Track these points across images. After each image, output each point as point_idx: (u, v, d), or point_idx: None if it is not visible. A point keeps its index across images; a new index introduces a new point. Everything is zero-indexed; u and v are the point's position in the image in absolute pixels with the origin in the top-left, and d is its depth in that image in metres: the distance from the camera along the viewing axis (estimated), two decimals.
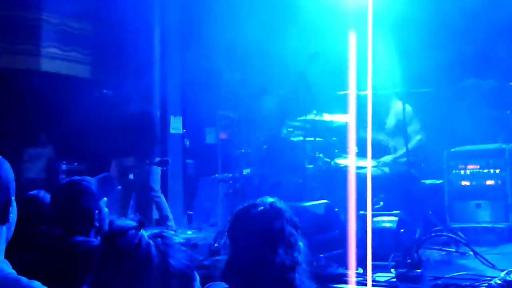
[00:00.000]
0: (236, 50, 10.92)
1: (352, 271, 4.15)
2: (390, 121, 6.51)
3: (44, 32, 11.30)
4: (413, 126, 6.37)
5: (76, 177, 3.19)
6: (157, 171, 8.06)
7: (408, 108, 6.47)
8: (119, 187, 8.09)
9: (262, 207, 2.28)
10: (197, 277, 1.75)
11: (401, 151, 6.31)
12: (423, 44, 8.21)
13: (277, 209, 2.28)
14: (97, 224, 3.06)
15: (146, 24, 11.32)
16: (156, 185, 8.03)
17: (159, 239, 1.66)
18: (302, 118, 6.07)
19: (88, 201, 3.04)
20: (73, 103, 11.10)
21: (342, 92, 6.04)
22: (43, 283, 1.86)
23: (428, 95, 6.43)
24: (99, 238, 2.09)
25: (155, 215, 10.51)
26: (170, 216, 8.09)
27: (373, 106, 6.42)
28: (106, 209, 3.19)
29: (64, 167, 10.79)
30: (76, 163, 10.83)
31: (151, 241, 1.63)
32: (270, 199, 2.32)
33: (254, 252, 2.18)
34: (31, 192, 3.33)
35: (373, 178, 5.87)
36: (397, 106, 6.49)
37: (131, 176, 7.93)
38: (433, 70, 7.45)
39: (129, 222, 1.68)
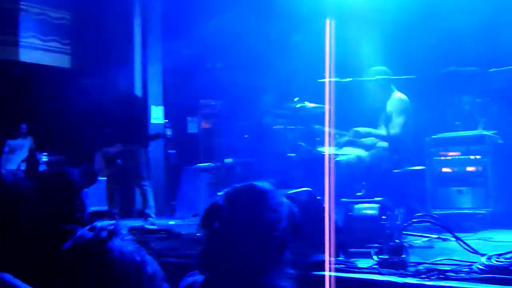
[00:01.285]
0: (218, 39, 10.86)
1: (332, 258, 4.15)
2: (387, 109, 6.52)
3: (23, 21, 11.19)
4: (403, 116, 6.38)
5: (57, 167, 3.16)
6: (145, 158, 8.03)
7: (405, 99, 6.50)
8: (106, 177, 8.05)
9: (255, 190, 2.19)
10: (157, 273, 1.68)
11: (384, 137, 6.34)
12: (405, 31, 8.23)
13: (271, 194, 2.18)
14: (78, 214, 3.05)
15: (126, 13, 11.24)
16: (145, 172, 8.01)
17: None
18: (284, 106, 6.06)
19: (69, 191, 3.02)
20: (53, 93, 11.02)
21: (323, 80, 6.02)
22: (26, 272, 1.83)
23: (410, 82, 6.44)
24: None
25: (139, 205, 10.49)
26: (152, 205, 8.05)
27: (371, 92, 6.45)
28: (86, 200, 3.16)
29: (45, 158, 10.71)
30: (57, 154, 10.76)
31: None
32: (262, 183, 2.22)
33: (239, 243, 2.08)
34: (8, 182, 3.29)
35: (354, 165, 5.90)
36: (394, 95, 6.51)
37: (119, 161, 7.88)
38: (415, 57, 7.47)
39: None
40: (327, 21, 5.54)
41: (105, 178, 8.28)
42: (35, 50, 11.36)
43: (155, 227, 7.51)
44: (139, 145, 7.98)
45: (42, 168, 10.40)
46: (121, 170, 8.04)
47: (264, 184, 2.22)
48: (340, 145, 6.42)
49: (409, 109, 6.54)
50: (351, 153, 6.18)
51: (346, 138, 6.51)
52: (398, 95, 6.54)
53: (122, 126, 7.92)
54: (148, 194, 8.08)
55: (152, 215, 8.00)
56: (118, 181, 8.03)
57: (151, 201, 8.07)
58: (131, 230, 1.73)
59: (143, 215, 7.99)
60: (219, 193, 2.22)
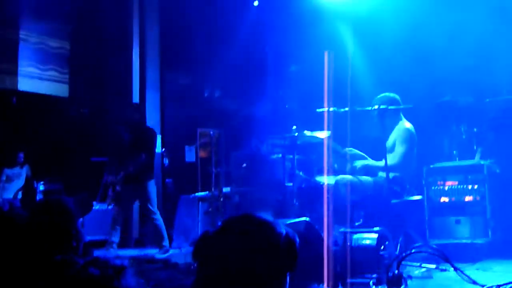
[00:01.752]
0: (216, 68, 10.95)
1: None
2: (391, 138, 6.51)
3: (22, 51, 11.25)
4: (406, 146, 6.36)
5: (54, 196, 3.17)
6: (152, 190, 8.04)
7: (410, 128, 6.48)
8: (111, 206, 8.04)
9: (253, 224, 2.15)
10: None
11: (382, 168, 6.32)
12: (401, 60, 8.30)
13: (272, 228, 2.15)
14: (74, 243, 3.03)
15: (125, 43, 11.31)
16: (154, 206, 8.00)
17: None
18: (282, 135, 6.07)
19: (66, 220, 3.01)
20: (51, 122, 11.03)
21: (321, 109, 6.05)
22: None
23: (408, 112, 6.47)
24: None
25: (135, 234, 10.45)
26: (166, 236, 8.06)
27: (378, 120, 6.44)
28: (82, 229, 3.15)
29: (42, 187, 10.69)
30: (54, 183, 10.74)
31: None
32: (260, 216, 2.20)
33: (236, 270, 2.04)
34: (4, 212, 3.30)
35: (353, 189, 5.88)
36: (401, 124, 6.49)
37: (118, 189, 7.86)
38: (411, 87, 7.52)
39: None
40: (325, 53, 5.59)
41: (106, 207, 8.28)
42: (34, 79, 11.41)
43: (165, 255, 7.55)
44: (146, 177, 7.99)
45: (39, 197, 10.38)
46: (125, 200, 8.03)
47: (262, 214, 2.19)
48: (337, 174, 6.42)
49: (414, 139, 6.50)
50: (352, 180, 6.15)
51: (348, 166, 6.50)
52: (405, 124, 6.51)
53: (129, 156, 7.93)
54: (160, 224, 8.08)
55: (167, 246, 8.04)
56: (121, 210, 7.99)
57: (164, 232, 8.07)
58: (130, 259, 1.73)
59: (159, 246, 7.99)
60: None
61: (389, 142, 6.46)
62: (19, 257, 2.91)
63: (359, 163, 6.36)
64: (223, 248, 2.04)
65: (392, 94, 6.50)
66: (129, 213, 8.23)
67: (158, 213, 8.12)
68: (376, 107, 6.19)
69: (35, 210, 3.08)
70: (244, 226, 2.09)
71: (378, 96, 6.50)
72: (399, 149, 6.31)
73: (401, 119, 6.53)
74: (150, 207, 8.00)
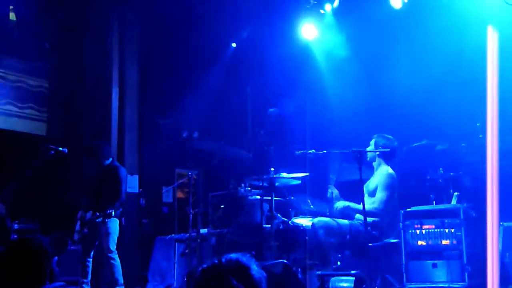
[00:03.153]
0: (195, 109, 10.98)
1: None
2: (373, 182, 6.56)
3: (0, 88, 11.21)
4: (388, 192, 6.40)
5: (29, 235, 3.14)
6: (115, 230, 7.84)
7: (393, 173, 6.54)
8: (78, 246, 7.89)
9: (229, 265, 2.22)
10: None
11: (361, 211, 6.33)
12: (379, 103, 8.41)
13: (244, 267, 2.22)
14: (48, 283, 2.99)
15: (104, 82, 11.33)
16: (113, 245, 7.78)
17: None
18: (260, 176, 6.07)
19: (41, 259, 2.98)
20: (27, 161, 10.92)
21: (300, 152, 6.09)
22: None
23: (385, 156, 6.53)
24: None
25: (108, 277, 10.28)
26: (121, 281, 7.80)
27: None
28: (57, 268, 3.11)
29: (16, 226, 10.52)
30: (29, 222, 10.58)
31: None
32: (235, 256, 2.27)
33: None
34: None
35: (331, 231, 5.88)
36: (384, 169, 6.55)
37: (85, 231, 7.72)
38: (388, 130, 7.59)
39: None
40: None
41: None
42: (11, 117, 11.34)
43: None
44: (108, 216, 7.79)
45: (13, 236, 10.21)
46: (89, 239, 7.86)
47: (241, 257, 2.24)
48: (314, 216, 6.43)
49: (396, 185, 6.58)
50: (329, 223, 6.15)
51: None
52: (387, 169, 6.58)
53: (97, 196, 7.85)
54: (115, 266, 7.78)
55: None
56: (87, 250, 7.84)
57: (120, 276, 7.78)
58: None
59: None
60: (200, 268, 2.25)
61: (370, 185, 6.49)
62: None
63: (340, 204, 6.38)
64: None
65: (387, 136, 6.63)
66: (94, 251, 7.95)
67: (116, 253, 7.83)
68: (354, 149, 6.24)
69: (9, 247, 3.03)
70: (226, 270, 2.14)
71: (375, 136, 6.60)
72: (381, 195, 6.35)
73: (383, 163, 6.60)
74: (109, 246, 7.75)
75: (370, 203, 6.17)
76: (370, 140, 6.72)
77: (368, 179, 6.72)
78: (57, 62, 11.97)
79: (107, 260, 7.78)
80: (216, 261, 2.27)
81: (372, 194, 6.38)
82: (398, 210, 6.75)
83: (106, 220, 7.59)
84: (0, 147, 11.14)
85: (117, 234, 7.89)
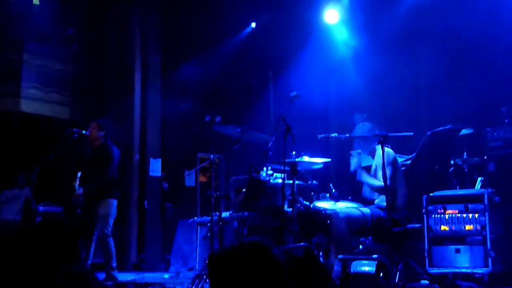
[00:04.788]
0: (217, 93, 10.98)
1: None
2: (375, 165, 6.52)
3: (25, 73, 11.31)
4: (389, 166, 6.33)
5: (55, 218, 3.17)
6: (110, 212, 7.68)
7: (390, 152, 6.49)
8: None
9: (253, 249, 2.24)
10: None
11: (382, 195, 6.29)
12: (405, 90, 8.35)
13: (265, 250, 2.24)
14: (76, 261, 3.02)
15: (127, 67, 11.37)
16: (107, 228, 7.61)
17: None
18: (282, 160, 6.05)
19: (70, 239, 3.01)
20: (51, 144, 11.04)
21: (321, 136, 6.06)
22: None
23: (408, 140, 6.46)
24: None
25: (133, 258, 10.38)
26: (114, 264, 7.68)
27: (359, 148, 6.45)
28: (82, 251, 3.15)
29: (41, 208, 10.66)
30: (54, 205, 10.72)
31: None
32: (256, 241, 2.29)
33: None
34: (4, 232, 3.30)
35: (353, 220, 5.85)
36: (379, 149, 6.46)
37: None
38: (414, 115, 7.55)
39: None
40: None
41: None
42: (36, 101, 11.45)
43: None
44: (107, 195, 7.76)
45: (38, 219, 10.34)
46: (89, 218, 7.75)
47: (263, 241, 2.28)
48: (336, 200, 6.40)
49: (397, 163, 6.54)
50: (351, 212, 6.10)
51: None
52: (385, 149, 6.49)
53: (86, 175, 7.80)
54: (111, 250, 7.65)
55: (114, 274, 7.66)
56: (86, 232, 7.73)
57: (113, 258, 7.66)
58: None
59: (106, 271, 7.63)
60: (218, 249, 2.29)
61: (371, 170, 6.47)
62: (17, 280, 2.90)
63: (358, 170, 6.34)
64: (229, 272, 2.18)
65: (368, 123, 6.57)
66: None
67: (111, 236, 7.69)
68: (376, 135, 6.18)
69: (36, 228, 3.06)
70: (249, 253, 2.16)
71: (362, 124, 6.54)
72: (385, 172, 6.24)
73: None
74: (104, 229, 7.59)
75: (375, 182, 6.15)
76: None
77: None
78: (80, 47, 12.04)
79: (101, 242, 7.64)
80: (238, 244, 2.29)
81: (374, 176, 6.36)
82: (416, 193, 6.70)
83: (100, 201, 7.59)
84: (25, 131, 11.27)
85: (114, 216, 7.74)
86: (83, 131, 7.97)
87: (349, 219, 5.86)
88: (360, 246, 6.06)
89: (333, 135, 6.13)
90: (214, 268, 2.28)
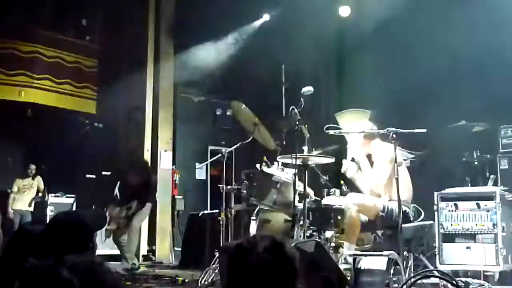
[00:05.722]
0: (229, 86, 10.97)
1: None
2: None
3: (38, 64, 11.36)
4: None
5: (71, 210, 3.18)
6: (146, 211, 8.11)
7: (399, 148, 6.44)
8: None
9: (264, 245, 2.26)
10: None
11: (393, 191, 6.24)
12: (417, 84, 8.31)
13: (279, 245, 2.27)
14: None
15: (140, 59, 11.39)
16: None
17: None
18: (293, 155, 6.03)
19: (84, 234, 3.01)
20: (64, 135, 11.09)
21: (333, 131, 6.04)
22: None
23: (421, 136, 6.42)
24: None
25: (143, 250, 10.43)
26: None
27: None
28: (96, 243, 3.15)
29: (53, 199, 10.73)
30: (65, 195, 10.78)
31: None
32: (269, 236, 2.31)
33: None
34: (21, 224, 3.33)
35: (366, 208, 5.83)
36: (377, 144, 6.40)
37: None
38: (426, 111, 7.50)
39: None
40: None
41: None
42: (49, 92, 11.49)
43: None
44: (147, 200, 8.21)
45: (50, 209, 10.41)
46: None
47: (276, 236, 2.31)
48: (345, 193, 6.37)
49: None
50: (363, 200, 6.04)
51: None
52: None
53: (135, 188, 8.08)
54: (135, 241, 8.21)
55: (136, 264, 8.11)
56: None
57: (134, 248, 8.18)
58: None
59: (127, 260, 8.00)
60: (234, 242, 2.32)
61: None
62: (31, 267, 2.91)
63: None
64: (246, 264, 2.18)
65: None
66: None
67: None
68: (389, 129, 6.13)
69: (53, 223, 3.07)
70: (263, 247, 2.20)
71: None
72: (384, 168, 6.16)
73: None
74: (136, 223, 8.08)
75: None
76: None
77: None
78: (94, 38, 12.07)
79: (129, 233, 8.05)
80: (252, 238, 2.32)
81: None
82: (428, 190, 6.66)
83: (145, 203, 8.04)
84: (38, 122, 11.32)
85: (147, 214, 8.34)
86: (95, 124, 8.09)
87: (362, 207, 5.82)
88: (371, 243, 6.05)
89: (340, 129, 6.10)
90: (228, 260, 2.29)
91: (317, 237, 5.71)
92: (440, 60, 8.31)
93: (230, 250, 2.32)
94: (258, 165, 6.70)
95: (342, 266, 5.17)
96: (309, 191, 6.35)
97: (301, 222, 5.79)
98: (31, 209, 10.85)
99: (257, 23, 11.28)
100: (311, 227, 5.95)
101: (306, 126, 6.09)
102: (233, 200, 7.28)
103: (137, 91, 11.27)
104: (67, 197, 10.70)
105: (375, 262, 5.13)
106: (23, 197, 10.84)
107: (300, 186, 6.12)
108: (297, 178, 6.08)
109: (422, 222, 6.30)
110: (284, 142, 6.83)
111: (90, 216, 3.16)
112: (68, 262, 1.71)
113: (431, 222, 6.57)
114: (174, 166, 11.25)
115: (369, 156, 6.24)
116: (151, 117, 11.24)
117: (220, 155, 7.35)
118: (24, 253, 3.02)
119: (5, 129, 11.03)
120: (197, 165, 11.33)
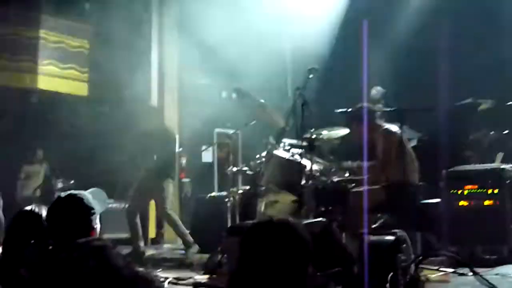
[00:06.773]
0: (235, 68, 10.92)
1: None
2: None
3: (42, 49, 11.32)
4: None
5: (74, 192, 3.17)
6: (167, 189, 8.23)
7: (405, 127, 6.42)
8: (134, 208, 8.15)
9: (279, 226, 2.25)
10: None
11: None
12: (423, 62, 8.25)
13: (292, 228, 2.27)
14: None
15: (144, 42, 11.35)
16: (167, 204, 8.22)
17: None
18: (300, 135, 6.02)
19: (88, 215, 3.02)
20: (69, 120, 11.09)
21: (340, 110, 6.01)
22: None
23: (428, 114, 6.41)
24: None
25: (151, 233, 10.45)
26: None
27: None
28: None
29: (60, 184, 10.75)
30: (72, 181, 10.79)
31: None
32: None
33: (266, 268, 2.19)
34: (26, 208, 3.33)
35: (371, 196, 5.83)
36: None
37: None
38: (433, 89, 7.46)
39: None
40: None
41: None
42: (53, 77, 11.47)
43: None
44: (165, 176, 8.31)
45: (57, 194, 10.42)
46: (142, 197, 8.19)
47: (290, 218, 2.37)
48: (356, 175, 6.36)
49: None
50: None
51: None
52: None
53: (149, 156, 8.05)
54: (179, 225, 8.33)
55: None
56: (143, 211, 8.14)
57: (183, 229, 8.35)
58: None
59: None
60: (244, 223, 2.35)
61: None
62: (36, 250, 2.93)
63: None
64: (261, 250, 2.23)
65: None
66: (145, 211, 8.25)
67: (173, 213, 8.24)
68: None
69: (56, 204, 3.07)
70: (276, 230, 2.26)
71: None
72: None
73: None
74: (165, 206, 7.97)
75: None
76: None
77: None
78: (97, 22, 12.01)
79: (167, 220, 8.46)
80: (267, 219, 2.32)
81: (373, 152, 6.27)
82: (435, 168, 6.64)
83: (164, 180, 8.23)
84: (42, 108, 11.32)
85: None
86: (100, 109, 8.12)
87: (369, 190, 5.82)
88: (378, 222, 6.04)
89: (351, 109, 6.07)
90: (241, 243, 2.31)
91: (324, 218, 5.70)
92: (447, 36, 8.25)
93: (242, 232, 2.33)
94: (265, 145, 6.69)
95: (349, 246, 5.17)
96: (316, 168, 6.33)
97: (309, 203, 5.79)
98: (39, 195, 10.88)
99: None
100: (319, 207, 5.95)
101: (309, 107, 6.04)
102: (240, 182, 7.28)
103: (142, 74, 11.24)
104: (73, 182, 10.71)
105: (383, 241, 5.11)
106: (31, 183, 10.87)
107: (307, 166, 6.11)
108: (303, 158, 6.07)
109: (429, 200, 6.29)
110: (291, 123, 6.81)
111: (93, 197, 3.16)
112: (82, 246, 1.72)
113: (439, 200, 6.55)
114: (180, 149, 11.24)
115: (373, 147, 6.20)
116: (156, 100, 11.22)
117: (225, 137, 7.36)
118: (27, 235, 3.03)
119: (10, 115, 11.04)
120: (203, 147, 11.32)
